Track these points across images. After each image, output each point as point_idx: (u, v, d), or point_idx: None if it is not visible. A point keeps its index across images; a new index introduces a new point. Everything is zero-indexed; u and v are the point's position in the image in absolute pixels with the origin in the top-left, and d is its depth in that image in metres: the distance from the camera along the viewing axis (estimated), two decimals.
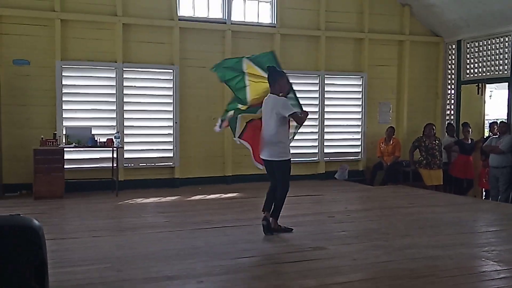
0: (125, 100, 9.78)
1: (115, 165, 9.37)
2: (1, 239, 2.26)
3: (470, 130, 10.93)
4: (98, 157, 9.60)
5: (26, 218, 2.12)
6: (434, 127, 10.90)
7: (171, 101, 10.12)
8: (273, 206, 6.20)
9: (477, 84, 11.52)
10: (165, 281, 4.43)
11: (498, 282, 4.51)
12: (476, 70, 11.46)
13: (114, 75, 9.73)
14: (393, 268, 4.85)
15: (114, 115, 9.75)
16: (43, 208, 7.86)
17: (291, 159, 6.19)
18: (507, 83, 10.68)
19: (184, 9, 10.29)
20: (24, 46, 9.22)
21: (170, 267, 4.81)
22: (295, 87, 6.77)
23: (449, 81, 12.13)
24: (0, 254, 2.26)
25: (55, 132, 9.14)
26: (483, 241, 6.14)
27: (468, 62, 11.64)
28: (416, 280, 4.52)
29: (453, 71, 12.00)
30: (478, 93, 11.57)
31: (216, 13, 10.51)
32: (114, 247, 5.59)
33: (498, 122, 10.51)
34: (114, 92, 9.74)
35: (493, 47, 10.98)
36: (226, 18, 10.48)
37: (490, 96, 13.80)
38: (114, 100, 9.74)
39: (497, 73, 10.93)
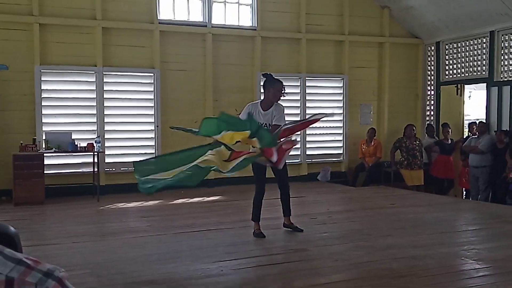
0: (105, 104, 9.71)
1: (96, 169, 9.29)
2: None
3: (450, 130, 11.05)
4: (79, 162, 9.52)
5: (2, 224, 2.09)
6: (414, 128, 11.02)
7: (152, 104, 10.08)
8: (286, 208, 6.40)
9: (456, 85, 11.66)
10: (146, 286, 4.41)
11: (477, 280, 4.56)
12: (455, 71, 11.59)
13: (94, 79, 9.65)
14: (374, 268, 4.87)
15: (94, 120, 9.67)
16: (23, 214, 7.76)
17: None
18: (485, 84, 10.82)
19: (164, 13, 10.25)
20: (2, 51, 9.09)
21: (152, 271, 4.78)
22: None
23: (429, 82, 12.25)
24: None
25: (35, 137, 9.02)
26: (463, 240, 6.21)
27: (447, 63, 11.76)
28: (398, 280, 4.56)
29: (432, 72, 12.12)
30: (457, 94, 11.71)
31: (197, 16, 10.49)
32: (95, 253, 5.55)
33: (477, 122, 10.64)
34: (95, 96, 9.66)
35: (471, 48, 11.11)
36: (207, 21, 10.46)
37: (469, 96, 13.97)
38: (95, 104, 9.66)
39: (475, 74, 11.06)
